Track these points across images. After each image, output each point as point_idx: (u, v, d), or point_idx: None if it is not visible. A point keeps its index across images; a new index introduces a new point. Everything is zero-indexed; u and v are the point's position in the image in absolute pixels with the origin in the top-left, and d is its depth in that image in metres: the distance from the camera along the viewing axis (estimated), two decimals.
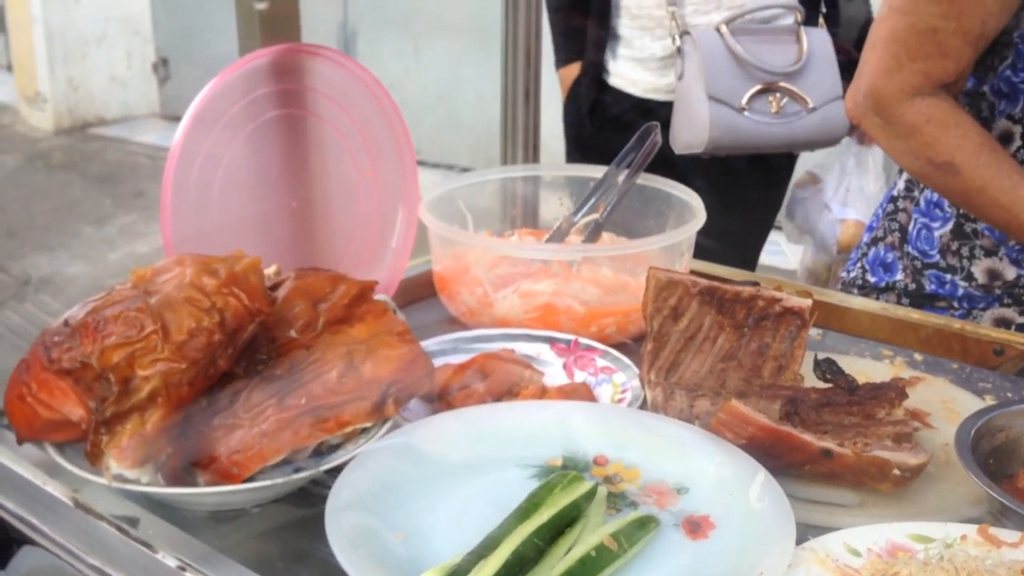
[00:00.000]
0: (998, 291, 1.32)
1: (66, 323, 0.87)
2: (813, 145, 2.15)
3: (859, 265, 1.44)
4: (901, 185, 1.39)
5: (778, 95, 1.97)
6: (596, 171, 1.40)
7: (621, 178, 1.36)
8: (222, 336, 0.86)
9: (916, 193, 1.36)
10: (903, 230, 1.38)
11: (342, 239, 1.25)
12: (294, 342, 0.93)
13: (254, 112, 1.12)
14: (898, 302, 1.39)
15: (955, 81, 1.20)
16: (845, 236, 2.39)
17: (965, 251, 1.31)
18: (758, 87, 1.95)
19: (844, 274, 1.48)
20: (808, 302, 1.03)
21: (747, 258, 2.32)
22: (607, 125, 2.18)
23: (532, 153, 1.49)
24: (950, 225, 1.32)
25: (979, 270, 1.31)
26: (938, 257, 1.33)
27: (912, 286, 1.36)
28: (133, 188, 6.09)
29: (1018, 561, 0.72)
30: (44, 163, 6.44)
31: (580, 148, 2.28)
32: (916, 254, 1.34)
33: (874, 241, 1.42)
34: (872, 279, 1.41)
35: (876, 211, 1.46)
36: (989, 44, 1.20)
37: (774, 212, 2.37)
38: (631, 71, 2.13)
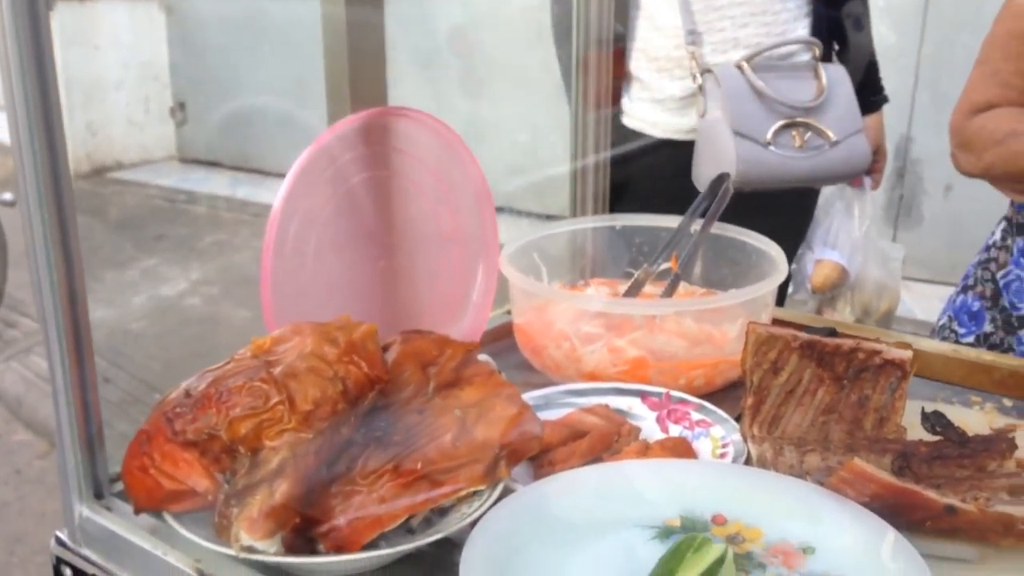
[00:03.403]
0: None
1: (187, 394, 0.88)
2: (836, 179, 2.16)
3: (947, 314, 1.45)
4: (997, 235, 1.41)
5: (801, 129, 1.98)
6: (668, 220, 1.41)
7: (695, 227, 1.37)
8: (345, 404, 0.87)
9: (1010, 241, 1.37)
10: (995, 280, 1.38)
11: (426, 295, 1.26)
12: (407, 407, 0.94)
13: (345, 175, 1.14)
14: None
15: None
16: (818, 276, 2.40)
17: None
18: (782, 122, 1.97)
19: (935, 322, 1.49)
20: (909, 354, 1.03)
21: (778, 294, 2.33)
22: (629, 168, 2.19)
23: (602, 203, 1.50)
24: None
25: None
26: None
27: (1003, 344, 1.37)
28: (153, 231, 6.14)
29: None
30: None
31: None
32: (1007, 306, 1.35)
33: (964, 290, 1.43)
34: (960, 330, 1.41)
35: (973, 260, 1.47)
36: None
37: (796, 247, 2.39)
38: (650, 113, 2.14)
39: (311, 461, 0.85)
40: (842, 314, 2.47)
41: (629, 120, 2.14)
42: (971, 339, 1.41)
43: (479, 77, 5.61)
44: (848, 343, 1.04)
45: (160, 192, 6.75)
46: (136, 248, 5.87)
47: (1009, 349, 1.37)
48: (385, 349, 0.99)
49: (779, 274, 1.24)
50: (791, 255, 2.39)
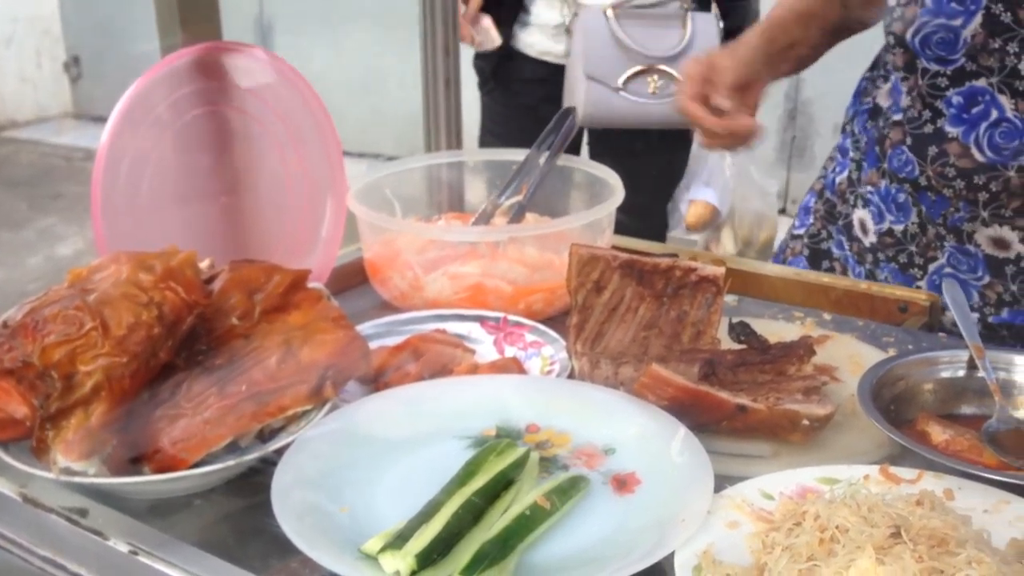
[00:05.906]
0: (870, 259, 1.39)
1: (4, 324, 0.89)
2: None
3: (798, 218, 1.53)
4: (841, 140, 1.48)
5: (656, 77, 2.20)
6: (517, 154, 1.44)
7: (542, 160, 1.41)
8: (161, 329, 0.89)
9: (844, 141, 1.44)
10: (825, 177, 1.46)
11: (273, 231, 1.27)
12: (232, 332, 0.96)
13: (180, 110, 1.14)
14: (801, 252, 1.48)
15: None
16: (691, 216, 2.52)
17: (851, 198, 1.39)
18: (637, 68, 2.18)
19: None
20: (722, 270, 1.09)
21: (657, 232, 2.46)
22: (511, 85, 2.40)
23: (455, 139, 1.53)
24: (847, 171, 1.40)
25: (856, 218, 1.39)
26: (836, 201, 1.41)
27: (819, 234, 1.44)
28: (49, 191, 5.96)
29: (914, 495, 0.78)
30: None
31: (491, 115, 2.50)
32: (830, 196, 1.43)
33: (811, 190, 1.51)
34: (796, 222, 1.49)
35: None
36: None
37: (675, 184, 2.50)
38: (531, 36, 2.35)
39: (127, 384, 0.87)
40: (726, 246, 2.59)
41: (518, 44, 2.35)
42: (802, 231, 1.48)
43: (339, 24, 5.57)
44: (665, 261, 1.09)
45: (56, 150, 6.56)
46: (32, 208, 5.71)
47: (828, 237, 1.44)
48: (214, 278, 1.01)
49: (615, 199, 1.29)
50: (667, 196, 2.49)
